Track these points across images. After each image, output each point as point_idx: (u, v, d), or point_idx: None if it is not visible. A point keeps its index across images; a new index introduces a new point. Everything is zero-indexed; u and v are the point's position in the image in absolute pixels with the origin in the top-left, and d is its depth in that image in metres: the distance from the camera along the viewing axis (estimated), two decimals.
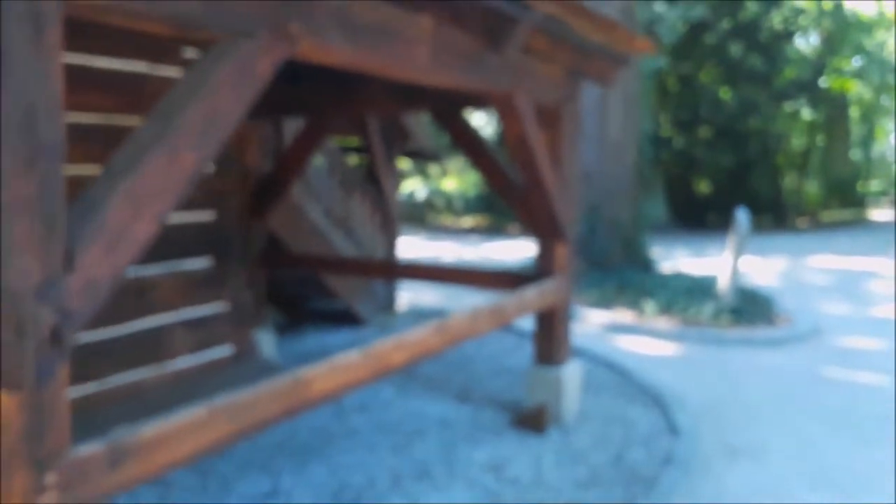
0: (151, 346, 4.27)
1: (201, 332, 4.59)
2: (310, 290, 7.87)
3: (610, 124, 10.30)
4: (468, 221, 23.06)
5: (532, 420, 4.87)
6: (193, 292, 4.53)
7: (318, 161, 7.32)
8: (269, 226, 6.66)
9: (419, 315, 8.77)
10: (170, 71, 4.36)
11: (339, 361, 2.87)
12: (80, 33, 3.77)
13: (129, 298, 4.14)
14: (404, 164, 25.78)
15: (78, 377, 3.90)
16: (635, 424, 5.11)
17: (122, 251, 2.11)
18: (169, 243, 4.39)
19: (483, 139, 5.12)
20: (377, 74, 3.27)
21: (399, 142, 8.53)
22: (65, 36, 1.82)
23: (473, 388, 5.88)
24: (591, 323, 8.63)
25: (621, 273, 10.15)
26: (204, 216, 4.62)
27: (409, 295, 10.08)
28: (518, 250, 14.53)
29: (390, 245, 8.38)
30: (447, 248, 16.89)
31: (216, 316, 4.71)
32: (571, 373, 5.08)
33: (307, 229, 7.08)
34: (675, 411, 5.32)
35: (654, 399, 5.67)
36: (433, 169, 25.55)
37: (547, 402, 4.93)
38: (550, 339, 5.00)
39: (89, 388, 3.97)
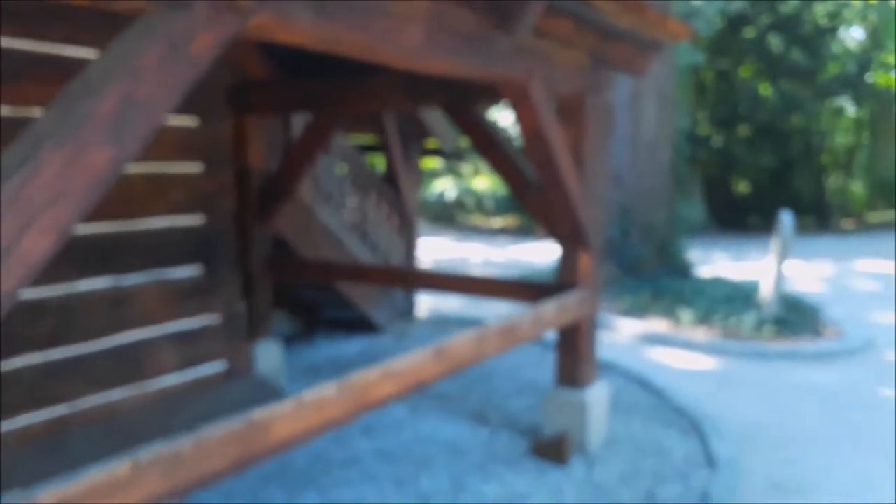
0: (130, 364, 3.85)
1: (188, 348, 4.17)
2: (325, 297, 7.43)
3: (643, 122, 9.69)
4: (498, 222, 22.49)
5: (552, 449, 4.34)
6: (179, 303, 4.11)
7: (330, 160, 6.87)
8: (277, 229, 6.23)
9: (439, 322, 8.28)
10: None
11: (309, 399, 2.38)
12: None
13: (103, 311, 3.72)
14: (434, 163, 25.32)
15: (44, 399, 3.49)
16: (669, 454, 4.55)
17: (9, 271, 1.65)
18: (150, 250, 3.97)
19: (499, 135, 4.60)
20: (362, 59, 2.78)
21: (418, 140, 8.04)
22: None
23: (491, 406, 5.36)
24: (623, 333, 8.04)
25: (655, 279, 9.53)
26: (191, 220, 4.19)
27: (429, 300, 9.59)
28: (547, 253, 13.93)
29: (408, 249, 7.90)
30: (475, 249, 16.37)
31: (206, 329, 4.27)
32: (598, 396, 4.54)
33: (318, 233, 6.64)
34: (714, 439, 4.74)
35: (691, 423, 5.09)
36: (465, 168, 25.05)
37: (569, 429, 4.39)
38: (574, 358, 4.46)
39: (58, 410, 3.55)
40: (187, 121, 4.16)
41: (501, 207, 22.50)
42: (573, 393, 4.46)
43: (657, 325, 8.15)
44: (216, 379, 4.34)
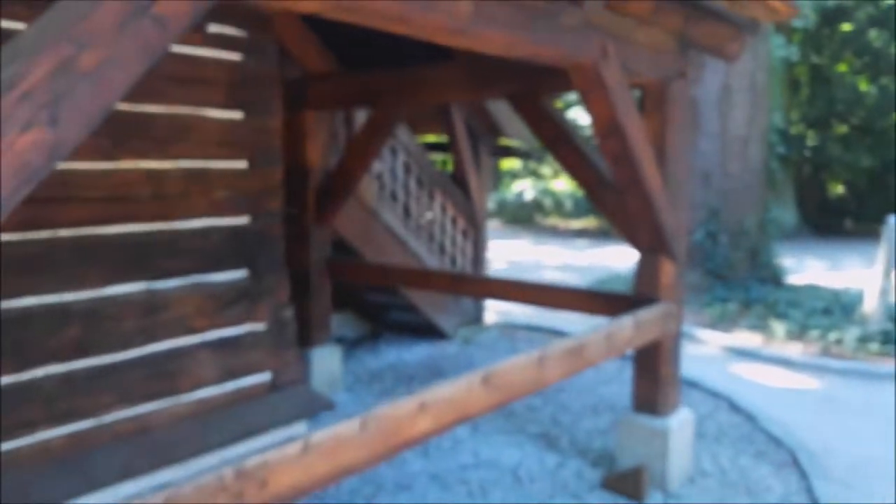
0: (163, 375, 3.50)
1: (229, 357, 3.80)
2: (391, 300, 7.02)
3: (733, 118, 8.85)
4: (577, 224, 21.66)
5: (627, 484, 3.75)
6: (219, 310, 3.74)
7: (395, 159, 6.45)
8: (338, 230, 5.85)
9: (509, 329, 7.74)
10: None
11: (320, 440, 1.92)
12: None
13: (134, 318, 3.38)
14: (513, 163, 24.69)
15: (66, 413, 3.17)
16: (763, 494, 3.88)
17: None
18: (188, 253, 3.61)
19: (570, 129, 4.04)
20: (398, 33, 2.30)
21: (489, 138, 7.53)
22: None
23: (561, 428, 4.79)
24: (709, 347, 7.28)
25: (746, 287, 8.68)
26: (235, 221, 3.83)
27: (499, 306, 9.04)
28: (628, 257, 13.04)
29: (476, 252, 7.40)
30: (552, 252, 15.68)
31: (249, 337, 3.90)
32: (681, 424, 3.91)
33: (381, 235, 6.22)
34: (817, 476, 4.04)
35: (789, 456, 4.38)
36: (544, 169, 24.30)
37: (647, 462, 3.79)
38: (654, 382, 3.85)
39: (81, 425, 3.23)
40: (231, 114, 3.80)
41: (581, 209, 21.64)
42: (652, 420, 3.85)
43: (747, 338, 7.35)
44: (260, 391, 3.96)
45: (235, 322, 3.86)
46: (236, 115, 3.85)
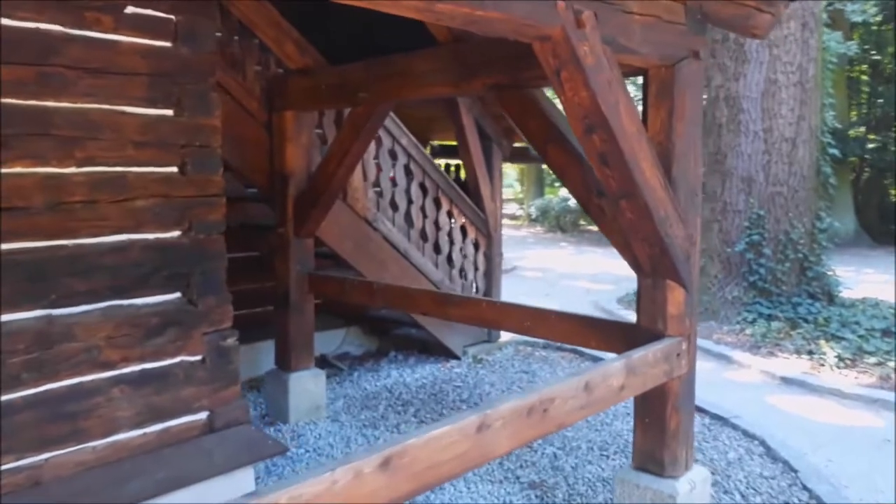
0: (64, 417, 2.89)
1: (153, 395, 3.16)
2: (397, 315, 6.34)
3: (780, 116, 7.84)
4: None
5: None
6: (141, 340, 3.11)
7: (396, 165, 5.76)
8: (328, 244, 5.19)
9: (526, 346, 6.95)
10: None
11: None
12: None
13: (27, 351, 2.77)
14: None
15: None
16: None
17: None
18: (99, 273, 2.98)
19: (562, 126, 3.26)
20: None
21: (505, 141, 6.76)
22: None
23: (561, 474, 4.00)
24: (748, 372, 6.33)
25: (793, 303, 7.66)
26: (162, 234, 3.19)
27: None
28: None
29: (489, 264, 6.64)
30: (591, 260, 14.73)
31: (180, 371, 3.25)
32: (693, 489, 3.08)
33: (379, 248, 5.54)
34: None
35: None
36: None
37: None
38: (659, 435, 3.04)
39: None
40: (156, 111, 3.16)
41: None
42: (657, 482, 3.04)
43: (793, 363, 6.37)
44: (193, 433, 3.31)
45: (162, 353, 3.22)
46: (164, 111, 3.21)
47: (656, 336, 2.98)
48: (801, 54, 7.79)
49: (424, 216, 6.07)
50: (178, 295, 3.29)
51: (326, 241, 5.19)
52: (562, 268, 13.29)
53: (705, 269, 8.31)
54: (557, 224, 21.38)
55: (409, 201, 5.95)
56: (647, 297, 3.02)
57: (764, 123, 7.89)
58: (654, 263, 2.94)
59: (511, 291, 10.56)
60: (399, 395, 5.53)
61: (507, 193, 28.47)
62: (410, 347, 6.76)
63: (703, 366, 6.67)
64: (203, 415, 3.37)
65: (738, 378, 6.13)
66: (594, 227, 21.31)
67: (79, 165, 2.93)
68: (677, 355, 2.98)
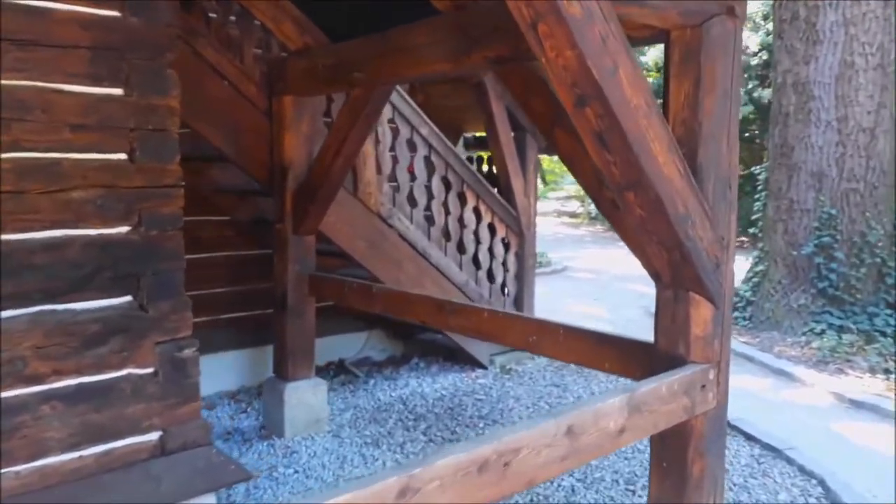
0: None
1: (92, 413, 2.77)
2: None
3: (857, 104, 6.96)
4: None
5: None
6: (78, 350, 2.73)
7: (416, 157, 5.27)
8: (337, 243, 4.75)
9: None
10: None
11: None
12: None
13: None
14: None
15: None
16: None
17: None
18: (28, 274, 2.60)
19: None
20: None
21: (537, 131, 6.17)
22: None
23: None
24: (812, 392, 5.56)
25: (868, 313, 6.79)
26: (106, 230, 2.80)
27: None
28: (738, 269, 10.86)
29: (521, 265, 6.07)
30: None
31: (126, 385, 2.85)
32: None
33: (394, 247, 5.06)
34: None
35: None
36: None
37: None
38: (679, 483, 2.45)
39: None
40: (100, 90, 2.77)
41: None
42: None
43: (866, 383, 5.57)
44: (141, 456, 2.91)
45: (104, 366, 2.82)
46: (111, 90, 2.81)
47: (676, 362, 2.38)
48: (881, 33, 6.89)
49: (447, 212, 5.56)
50: (126, 299, 2.88)
51: (335, 240, 4.75)
52: (616, 269, 12.52)
53: (768, 273, 7.50)
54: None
55: (430, 196, 5.45)
56: (667, 314, 2.43)
57: (838, 112, 7.03)
58: (674, 272, 2.34)
59: (556, 293, 9.96)
60: (413, 408, 5.04)
61: (570, 190, 27.59)
62: (435, 354, 6.27)
63: (759, 383, 5.97)
64: (154, 435, 2.96)
65: (800, 399, 5.37)
66: None
67: (3, 150, 2.56)
68: (702, 387, 2.37)
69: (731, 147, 2.40)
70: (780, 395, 5.43)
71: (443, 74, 3.54)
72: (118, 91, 2.83)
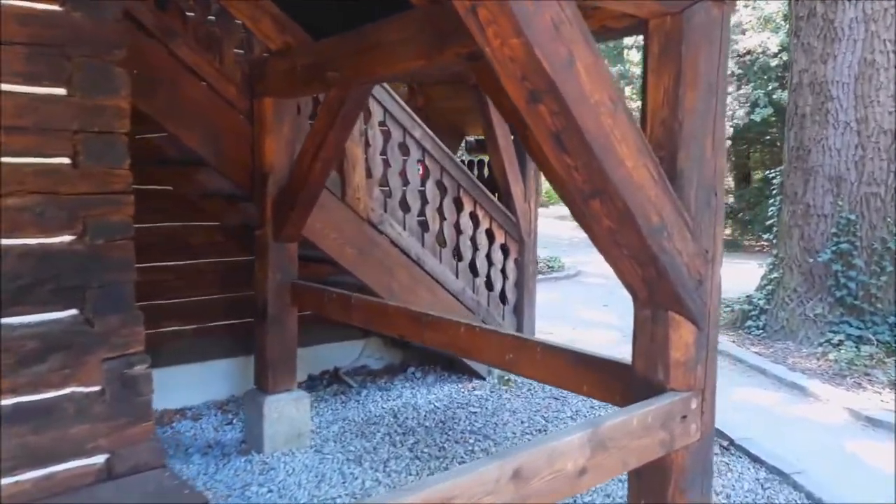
0: None
1: (29, 434, 2.57)
2: None
3: (877, 104, 6.58)
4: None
5: None
6: (15, 368, 2.53)
7: (410, 161, 5.02)
8: (323, 250, 4.52)
9: None
10: None
11: None
12: None
13: None
14: None
15: None
16: None
17: None
18: None
19: None
20: None
21: None
22: None
23: None
24: (826, 408, 5.21)
25: (889, 324, 6.40)
26: (46, 239, 2.60)
27: (561, 334, 7.35)
28: (753, 276, 10.12)
29: (521, 272, 5.79)
30: None
31: (69, 404, 2.65)
32: None
33: (385, 254, 4.82)
34: None
35: None
36: None
37: None
38: None
39: None
40: (40, 89, 2.56)
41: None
42: None
43: (886, 399, 5.20)
44: (85, 480, 2.70)
45: (43, 384, 2.61)
46: (52, 90, 2.60)
47: (654, 388, 2.11)
48: None
49: (442, 218, 5.31)
50: (70, 313, 2.67)
51: (322, 247, 4.52)
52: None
53: (783, 280, 7.13)
54: None
55: (424, 201, 5.20)
56: (645, 335, 2.15)
57: (858, 113, 6.65)
58: (650, 289, 2.07)
59: (567, 299, 9.63)
60: (403, 421, 4.79)
61: None
62: (434, 363, 6.03)
63: (769, 397, 5.60)
64: (100, 458, 2.74)
65: (813, 415, 5.02)
66: None
67: None
68: (683, 418, 2.09)
69: (716, 149, 2.12)
70: (792, 410, 5.09)
71: (418, 71, 3.29)
72: (60, 91, 2.62)
